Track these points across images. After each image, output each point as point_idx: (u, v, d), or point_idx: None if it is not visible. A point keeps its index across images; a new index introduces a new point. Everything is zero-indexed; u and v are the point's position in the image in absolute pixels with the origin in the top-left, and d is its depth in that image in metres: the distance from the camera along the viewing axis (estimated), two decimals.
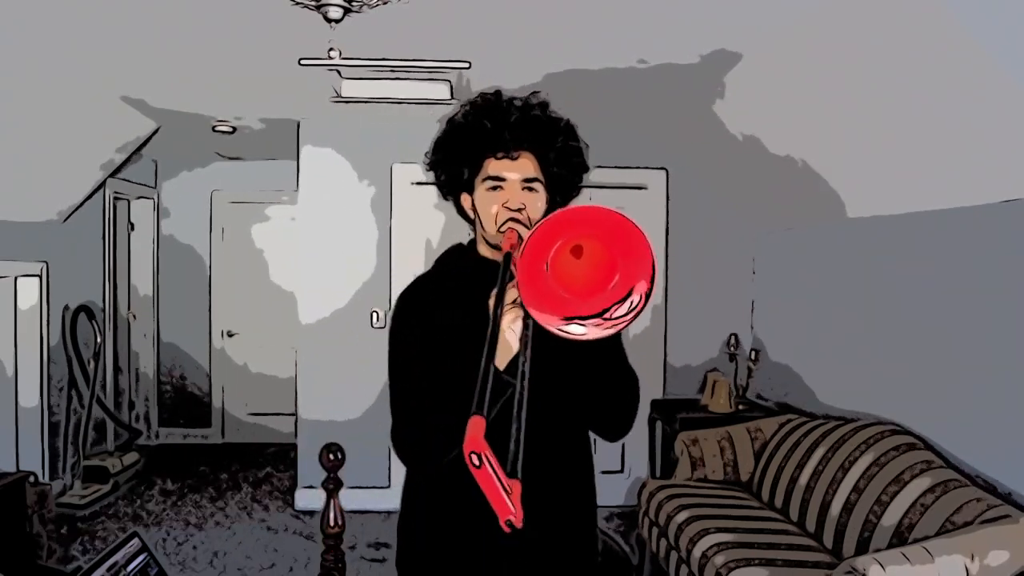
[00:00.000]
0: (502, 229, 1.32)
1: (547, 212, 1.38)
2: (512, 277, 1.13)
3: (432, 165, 1.45)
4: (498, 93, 1.40)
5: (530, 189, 1.35)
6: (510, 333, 1.17)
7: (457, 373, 1.19)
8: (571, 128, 1.43)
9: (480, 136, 1.36)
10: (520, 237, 1.24)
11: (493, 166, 1.36)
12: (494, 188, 1.35)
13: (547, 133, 1.37)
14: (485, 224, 1.37)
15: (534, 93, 1.42)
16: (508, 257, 1.19)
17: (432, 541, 1.40)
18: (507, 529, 0.91)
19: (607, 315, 1.04)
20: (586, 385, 1.34)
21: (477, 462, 0.88)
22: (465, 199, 1.42)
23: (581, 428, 1.46)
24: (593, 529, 1.50)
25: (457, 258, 1.48)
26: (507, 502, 0.90)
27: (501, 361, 1.18)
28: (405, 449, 1.35)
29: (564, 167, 1.40)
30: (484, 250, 1.43)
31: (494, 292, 1.15)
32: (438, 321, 1.36)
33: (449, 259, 1.50)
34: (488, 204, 1.35)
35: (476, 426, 0.90)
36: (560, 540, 1.40)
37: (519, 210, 1.32)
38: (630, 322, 1.06)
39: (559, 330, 1.05)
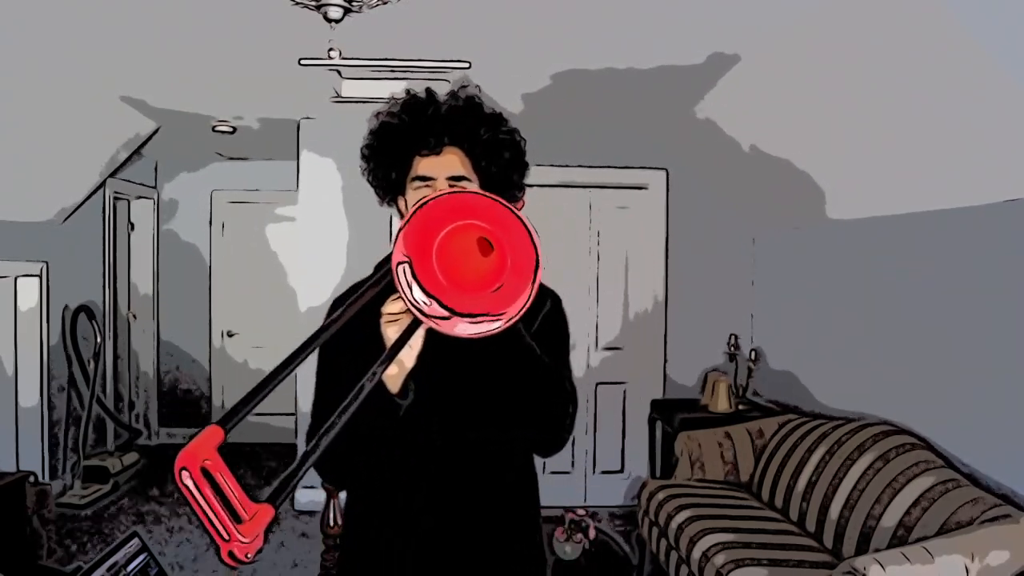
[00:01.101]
0: None
1: None
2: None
3: (363, 168, 1.39)
4: (428, 90, 1.35)
5: (459, 187, 1.27)
6: (406, 351, 1.08)
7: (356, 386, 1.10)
8: (499, 119, 1.34)
9: (403, 134, 1.31)
10: None
11: (420, 165, 1.30)
12: (421, 188, 1.29)
13: (471, 126, 1.30)
14: None
15: (463, 87, 1.35)
16: (387, 257, 1.11)
17: (360, 560, 1.37)
18: (229, 561, 0.76)
19: (469, 319, 0.96)
20: (502, 394, 1.23)
21: (187, 482, 0.75)
22: (401, 202, 1.37)
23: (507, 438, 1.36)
24: (534, 540, 1.42)
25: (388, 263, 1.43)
26: (218, 530, 0.74)
27: (397, 376, 1.13)
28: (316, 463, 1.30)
29: (492, 161, 1.31)
30: None
31: (388, 301, 1.08)
32: (363, 330, 1.26)
33: (383, 264, 1.40)
34: (414, 202, 1.29)
35: (207, 436, 0.76)
36: (493, 553, 1.33)
37: None
38: (473, 336, 0.97)
39: (413, 304, 0.98)
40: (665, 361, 4.48)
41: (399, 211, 1.39)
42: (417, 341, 1.09)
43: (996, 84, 2.04)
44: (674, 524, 2.97)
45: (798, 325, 3.93)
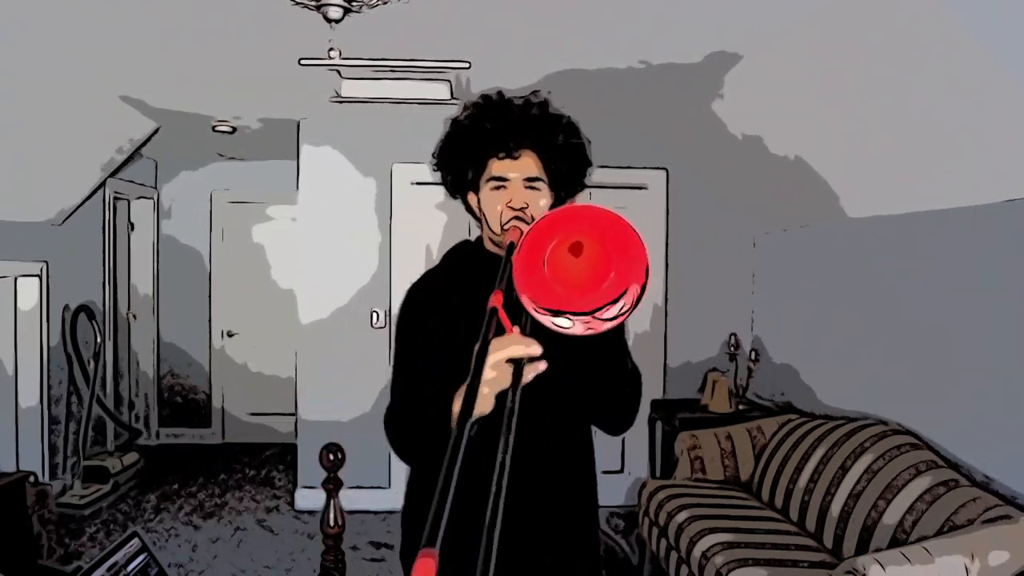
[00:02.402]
0: (506, 227, 1.34)
1: (552, 207, 1.40)
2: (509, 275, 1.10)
3: (438, 166, 1.47)
4: (499, 94, 1.42)
5: (533, 188, 1.37)
6: (488, 390, 1.07)
7: (457, 366, 1.17)
8: (572, 125, 1.44)
9: (482, 137, 1.38)
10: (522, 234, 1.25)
11: (496, 166, 1.38)
12: (498, 188, 1.37)
13: (547, 131, 1.39)
14: (490, 222, 1.39)
15: (534, 92, 1.44)
16: (511, 249, 1.18)
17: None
18: None
19: (597, 314, 1.03)
20: (591, 382, 1.35)
21: None
22: (472, 198, 1.45)
23: (585, 428, 1.47)
24: (596, 531, 1.51)
25: (465, 253, 1.51)
26: None
27: (479, 411, 1.10)
28: (396, 435, 1.37)
29: (565, 164, 1.41)
30: (490, 246, 1.45)
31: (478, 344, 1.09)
32: (444, 316, 1.38)
33: (457, 254, 1.53)
34: (492, 203, 1.38)
35: (424, 569, 0.66)
36: (563, 542, 1.41)
37: (522, 209, 1.34)
38: (617, 324, 1.04)
39: (548, 320, 1.03)
40: (665, 361, 4.48)
41: (467, 205, 1.47)
42: (502, 382, 1.07)
43: (996, 84, 2.04)
44: (674, 524, 2.97)
45: (798, 325, 3.93)
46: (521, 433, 1.11)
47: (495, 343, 1.06)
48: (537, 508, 1.38)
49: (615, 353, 1.33)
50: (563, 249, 1.06)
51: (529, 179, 1.37)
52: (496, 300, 1.06)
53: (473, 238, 1.54)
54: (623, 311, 1.03)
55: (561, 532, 1.41)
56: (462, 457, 0.88)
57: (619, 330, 1.35)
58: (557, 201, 1.43)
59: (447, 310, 1.39)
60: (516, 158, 1.37)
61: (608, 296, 1.03)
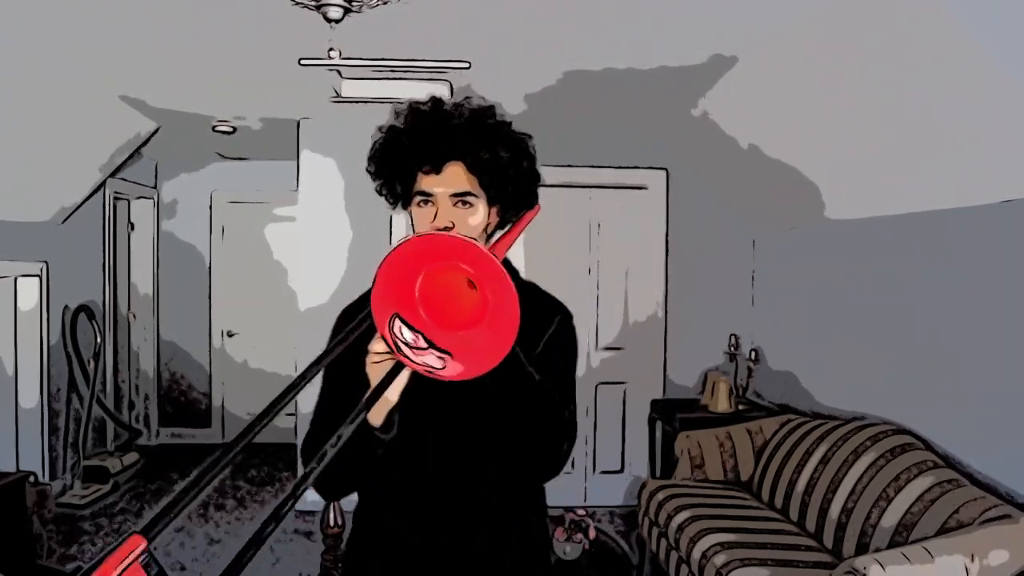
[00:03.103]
0: None
1: (500, 225, 1.31)
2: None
3: (372, 177, 1.36)
4: (432, 100, 1.30)
5: (462, 204, 1.24)
6: (379, 383, 1.05)
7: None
8: (511, 134, 1.29)
9: (403, 148, 1.27)
10: None
11: (423, 181, 1.26)
12: (424, 203, 1.26)
13: (476, 141, 1.24)
14: None
15: (467, 99, 1.31)
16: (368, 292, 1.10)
17: (377, 552, 1.35)
18: None
19: (417, 347, 0.97)
20: (495, 430, 1.20)
21: None
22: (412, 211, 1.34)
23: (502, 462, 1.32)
24: (538, 548, 1.41)
25: None
26: None
27: (380, 410, 1.11)
28: (306, 459, 1.30)
29: (497, 179, 1.25)
30: None
31: (374, 339, 1.06)
32: (355, 343, 1.27)
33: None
34: (419, 221, 1.27)
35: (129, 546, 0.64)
36: (512, 548, 1.34)
37: (447, 228, 1.22)
38: (414, 366, 0.98)
39: (389, 330, 0.98)
40: (665, 361, 4.48)
41: (411, 219, 1.35)
42: (403, 378, 1.06)
43: (995, 84, 2.04)
44: (674, 524, 2.97)
45: (798, 325, 3.93)
46: (427, 466, 1.13)
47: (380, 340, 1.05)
48: (463, 527, 1.30)
49: (519, 394, 1.16)
50: (460, 279, 0.98)
51: (457, 194, 1.23)
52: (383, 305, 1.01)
53: None
54: (428, 365, 0.97)
55: (490, 552, 1.32)
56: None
57: (523, 371, 1.18)
58: (502, 220, 1.31)
59: (360, 337, 1.26)
60: (439, 172, 1.24)
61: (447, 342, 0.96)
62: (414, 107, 1.29)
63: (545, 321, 1.31)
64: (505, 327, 0.93)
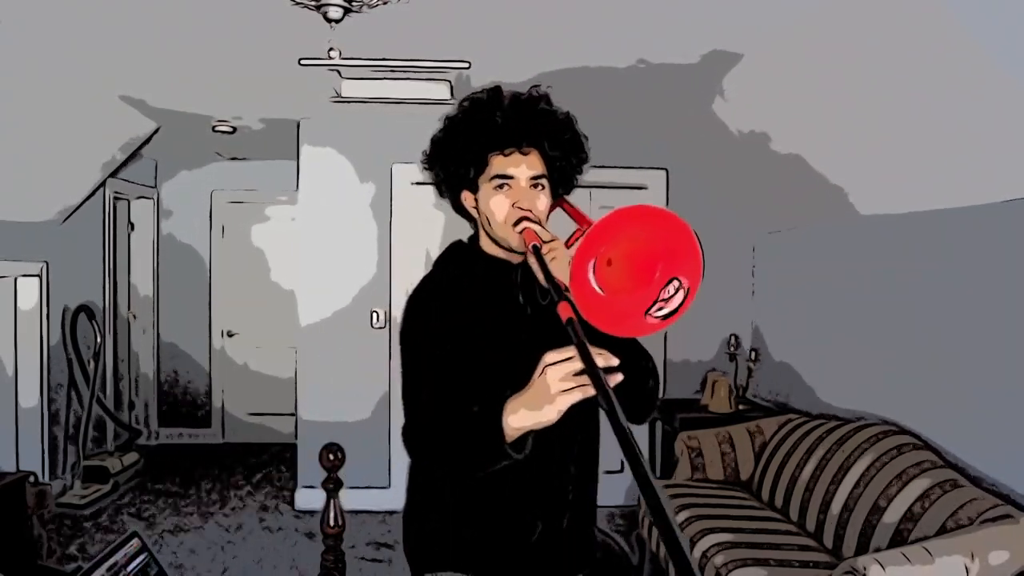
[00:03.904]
0: (518, 230, 1.29)
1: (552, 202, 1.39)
2: (557, 296, 1.08)
3: (431, 163, 1.40)
4: (498, 88, 1.37)
5: (538, 186, 1.33)
6: (550, 405, 1.07)
7: (482, 369, 1.20)
8: (573, 121, 1.40)
9: (486, 132, 1.31)
10: (539, 238, 1.24)
11: (500, 163, 1.32)
12: (501, 186, 1.32)
13: (552, 128, 1.34)
14: (494, 224, 1.34)
15: (535, 86, 1.39)
16: (536, 251, 1.19)
17: (466, 534, 1.39)
18: None
19: (655, 309, 1.05)
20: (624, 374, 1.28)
21: None
22: (467, 197, 1.39)
23: (598, 426, 1.54)
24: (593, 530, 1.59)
25: (461, 257, 1.44)
26: None
27: (526, 427, 1.11)
28: (434, 447, 1.31)
29: (569, 162, 1.37)
30: (489, 247, 1.40)
31: (549, 355, 1.08)
32: (452, 323, 1.32)
33: (452, 258, 1.45)
34: (496, 203, 1.32)
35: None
36: (584, 534, 1.50)
37: (530, 208, 1.31)
38: (680, 313, 1.07)
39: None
40: (665, 361, 4.47)
41: (457, 205, 1.41)
42: (570, 398, 1.07)
43: (996, 84, 2.04)
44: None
45: (798, 325, 3.93)
46: (558, 426, 1.12)
47: (559, 354, 1.08)
48: (558, 496, 1.41)
49: (637, 349, 1.36)
50: (601, 266, 1.05)
51: (535, 177, 1.33)
52: (566, 311, 1.04)
53: (466, 238, 1.47)
54: (677, 297, 1.07)
55: (584, 528, 1.47)
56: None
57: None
58: (553, 198, 1.40)
59: (457, 316, 1.32)
60: (525, 154, 1.32)
61: (659, 286, 1.06)
62: (489, 92, 1.36)
63: None
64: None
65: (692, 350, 4.45)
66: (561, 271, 1.15)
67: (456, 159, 1.35)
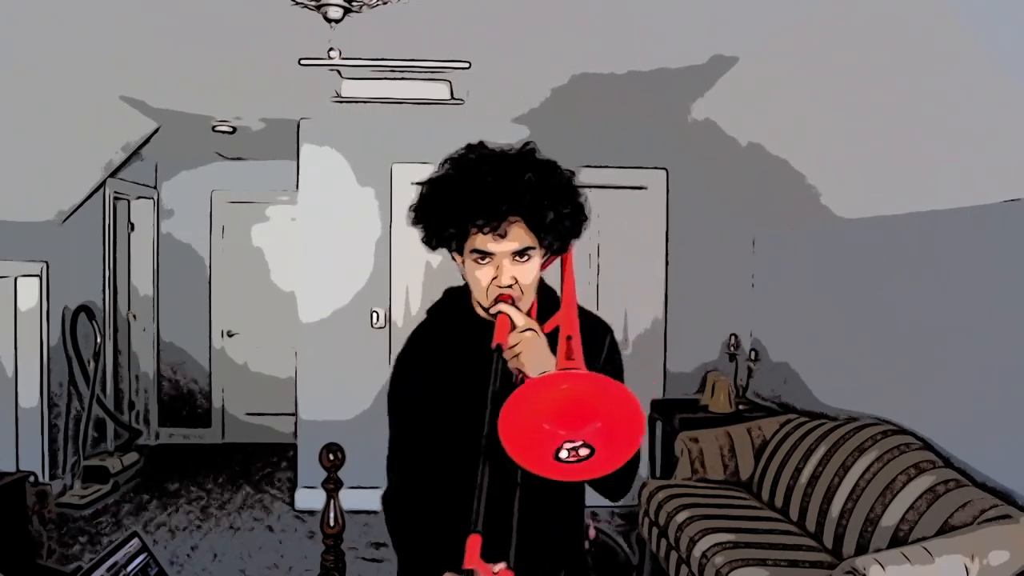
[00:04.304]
0: (492, 312, 1.22)
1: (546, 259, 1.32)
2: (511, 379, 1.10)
3: (415, 223, 1.30)
4: (482, 151, 1.25)
5: (521, 261, 1.23)
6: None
7: (452, 440, 1.19)
8: (564, 187, 1.25)
9: (466, 205, 1.19)
10: (513, 324, 1.18)
11: (480, 239, 1.20)
12: (482, 263, 1.23)
13: (540, 199, 1.20)
14: (475, 294, 1.28)
15: (525, 145, 1.27)
16: (499, 350, 1.14)
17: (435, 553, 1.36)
18: None
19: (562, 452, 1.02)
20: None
21: None
22: (455, 255, 1.31)
23: None
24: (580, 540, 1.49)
25: (452, 311, 1.40)
26: None
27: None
28: (393, 517, 1.35)
29: (558, 234, 1.24)
30: (479, 309, 1.33)
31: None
32: (438, 386, 1.32)
33: (444, 311, 1.42)
34: (477, 278, 1.24)
35: (473, 545, 0.94)
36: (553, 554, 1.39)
37: (510, 285, 1.22)
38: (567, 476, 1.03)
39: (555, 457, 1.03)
40: (665, 361, 4.47)
41: (462, 269, 1.32)
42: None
43: (995, 84, 2.04)
44: (674, 524, 2.97)
45: (798, 325, 3.92)
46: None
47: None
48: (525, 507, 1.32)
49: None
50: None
51: (517, 251, 1.21)
52: (500, 335, 1.09)
53: (462, 283, 1.40)
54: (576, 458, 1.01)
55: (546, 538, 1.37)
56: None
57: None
58: (547, 254, 1.30)
59: (441, 381, 1.31)
60: (503, 236, 1.19)
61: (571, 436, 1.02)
62: (468, 157, 1.24)
63: (598, 344, 1.33)
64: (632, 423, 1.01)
65: (692, 350, 4.45)
66: (529, 361, 1.13)
67: (437, 225, 1.26)
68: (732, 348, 4.35)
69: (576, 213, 1.27)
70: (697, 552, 2.71)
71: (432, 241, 1.28)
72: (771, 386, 4.14)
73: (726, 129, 3.60)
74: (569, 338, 1.08)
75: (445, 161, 1.27)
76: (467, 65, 3.06)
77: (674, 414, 3.95)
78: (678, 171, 4.43)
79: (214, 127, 4.49)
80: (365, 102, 3.49)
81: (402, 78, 3.27)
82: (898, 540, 2.34)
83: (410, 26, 2.63)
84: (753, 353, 4.26)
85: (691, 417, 3.87)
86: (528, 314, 1.26)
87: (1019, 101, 2.02)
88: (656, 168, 4.43)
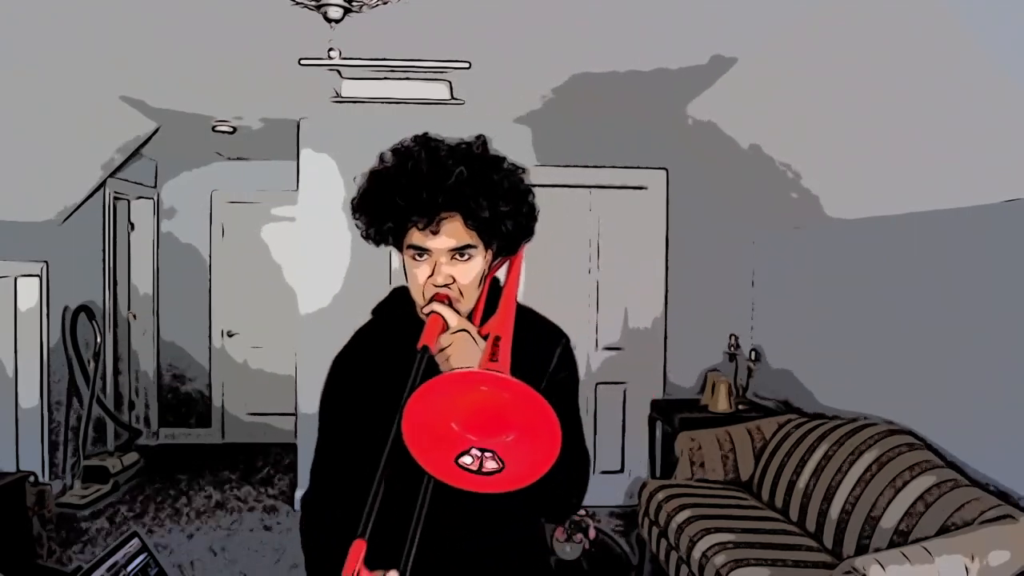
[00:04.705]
0: (425, 312, 1.15)
1: (495, 256, 1.25)
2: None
3: (355, 215, 1.26)
4: (425, 142, 1.20)
5: (461, 258, 1.17)
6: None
7: (376, 445, 1.06)
8: (507, 185, 1.19)
9: (401, 199, 1.15)
10: (445, 324, 1.12)
11: (416, 235, 1.16)
12: (419, 260, 1.18)
13: (475, 196, 1.14)
14: (412, 292, 1.22)
15: (477, 138, 1.22)
16: (424, 351, 1.05)
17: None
18: None
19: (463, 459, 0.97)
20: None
21: None
22: (398, 252, 1.26)
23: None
24: (536, 543, 1.40)
25: (397, 311, 1.34)
26: None
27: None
28: (307, 523, 1.31)
29: (499, 234, 1.19)
30: (422, 315, 1.22)
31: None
32: (367, 386, 1.28)
33: (388, 311, 1.38)
34: (413, 275, 1.19)
35: (356, 551, 0.90)
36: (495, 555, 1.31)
37: (447, 285, 1.17)
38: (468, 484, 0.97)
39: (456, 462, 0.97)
40: (665, 361, 4.47)
41: (404, 267, 1.26)
42: None
43: (995, 84, 2.04)
44: (674, 524, 2.97)
45: (798, 325, 3.93)
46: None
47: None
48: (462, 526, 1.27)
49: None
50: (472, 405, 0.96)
51: (455, 249, 1.16)
52: (427, 337, 1.05)
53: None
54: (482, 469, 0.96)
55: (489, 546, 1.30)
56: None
57: (572, 409, 1.25)
58: (496, 253, 1.24)
59: (373, 383, 1.25)
60: (436, 232, 1.15)
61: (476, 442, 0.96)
62: (407, 150, 1.19)
63: (545, 353, 1.27)
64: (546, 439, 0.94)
65: (692, 350, 4.45)
66: (459, 364, 1.07)
67: (375, 220, 1.21)
68: (732, 348, 4.35)
69: (519, 213, 1.20)
70: (697, 552, 2.71)
71: (372, 235, 1.24)
72: (771, 386, 4.13)
73: (726, 129, 3.60)
74: (497, 339, 1.03)
75: (391, 149, 1.23)
76: (467, 65, 3.06)
77: (674, 414, 3.95)
78: (678, 171, 4.43)
79: (214, 127, 4.48)
80: (365, 102, 3.49)
81: (402, 78, 3.27)
82: (898, 540, 2.34)
83: (410, 26, 2.63)
84: (753, 353, 4.26)
85: (691, 417, 3.87)
86: (470, 317, 1.20)
87: (1019, 101, 2.02)
88: (656, 168, 4.43)
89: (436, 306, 1.13)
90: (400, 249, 1.22)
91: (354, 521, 0.98)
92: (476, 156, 1.18)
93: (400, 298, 1.32)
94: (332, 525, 1.25)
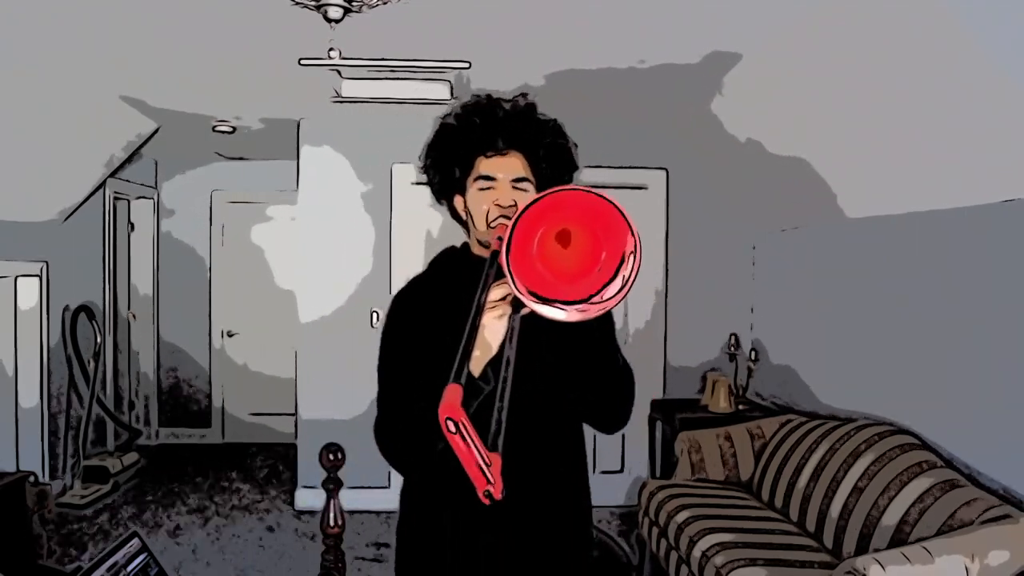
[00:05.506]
0: (493, 225, 1.34)
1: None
2: (499, 273, 1.14)
3: (425, 167, 1.47)
4: (489, 96, 1.44)
5: (520, 188, 1.37)
6: (491, 332, 1.19)
7: (445, 374, 1.15)
8: (559, 128, 1.46)
9: (470, 136, 1.39)
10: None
11: (484, 165, 1.38)
12: (485, 187, 1.37)
13: (535, 132, 1.41)
14: (476, 222, 1.39)
15: (523, 95, 1.46)
16: (495, 252, 1.20)
17: (427, 541, 1.41)
18: (485, 501, 0.93)
19: (594, 299, 1.06)
20: (578, 378, 1.35)
21: (452, 428, 0.91)
22: (458, 200, 1.44)
23: (574, 424, 1.45)
24: (588, 526, 1.50)
25: (451, 260, 1.50)
26: (485, 472, 0.91)
27: (481, 360, 1.20)
28: (386, 443, 1.34)
29: (552, 165, 1.43)
30: (477, 251, 1.44)
31: (493, 287, 1.17)
32: (430, 322, 1.37)
33: (443, 261, 1.52)
34: (479, 202, 1.37)
35: (452, 393, 0.94)
36: (554, 537, 1.41)
37: (510, 207, 1.34)
38: (615, 304, 1.07)
39: (542, 309, 1.06)
40: (665, 361, 4.47)
41: (453, 210, 1.47)
42: (502, 324, 1.20)
43: (996, 84, 2.04)
44: (674, 524, 2.97)
45: (798, 325, 3.93)
46: (513, 429, 1.12)
47: (497, 287, 1.16)
48: (529, 507, 1.36)
49: (604, 347, 1.33)
50: (551, 238, 1.08)
51: (516, 179, 1.37)
52: (498, 246, 1.13)
53: (460, 244, 1.52)
54: (620, 290, 1.05)
55: (552, 530, 1.40)
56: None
57: (608, 325, 1.36)
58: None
59: (434, 318, 1.37)
60: (504, 155, 1.38)
61: (600, 281, 1.05)
62: (476, 98, 1.43)
63: None
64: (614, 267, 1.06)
65: (692, 350, 4.45)
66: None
67: (445, 161, 1.42)
68: (732, 348, 4.35)
69: (566, 152, 1.46)
70: (697, 552, 2.71)
71: (442, 182, 1.43)
72: (771, 386, 4.14)
73: (727, 128, 3.60)
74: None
75: (453, 108, 1.45)
76: (467, 65, 3.06)
77: (674, 414, 3.95)
78: (678, 171, 4.43)
79: (214, 127, 4.49)
80: (365, 102, 3.49)
81: (402, 78, 3.27)
82: (898, 540, 2.34)
83: (410, 26, 2.63)
84: (753, 353, 4.26)
85: (691, 417, 3.87)
86: None
87: (1019, 101, 2.02)
88: (656, 168, 4.43)
89: (502, 220, 1.32)
90: (463, 193, 1.41)
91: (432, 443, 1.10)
92: (531, 104, 1.45)
93: (451, 252, 1.52)
94: (421, 416, 1.21)
